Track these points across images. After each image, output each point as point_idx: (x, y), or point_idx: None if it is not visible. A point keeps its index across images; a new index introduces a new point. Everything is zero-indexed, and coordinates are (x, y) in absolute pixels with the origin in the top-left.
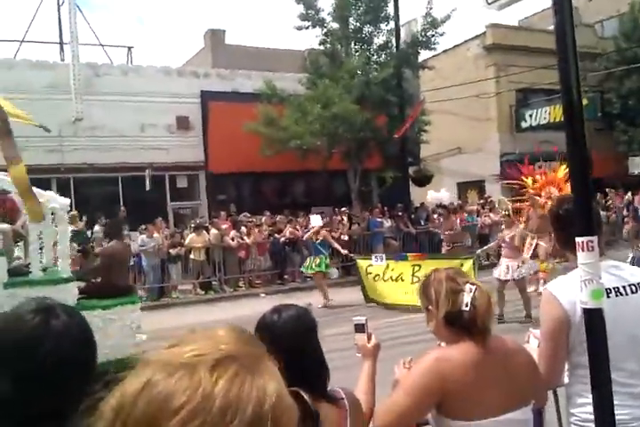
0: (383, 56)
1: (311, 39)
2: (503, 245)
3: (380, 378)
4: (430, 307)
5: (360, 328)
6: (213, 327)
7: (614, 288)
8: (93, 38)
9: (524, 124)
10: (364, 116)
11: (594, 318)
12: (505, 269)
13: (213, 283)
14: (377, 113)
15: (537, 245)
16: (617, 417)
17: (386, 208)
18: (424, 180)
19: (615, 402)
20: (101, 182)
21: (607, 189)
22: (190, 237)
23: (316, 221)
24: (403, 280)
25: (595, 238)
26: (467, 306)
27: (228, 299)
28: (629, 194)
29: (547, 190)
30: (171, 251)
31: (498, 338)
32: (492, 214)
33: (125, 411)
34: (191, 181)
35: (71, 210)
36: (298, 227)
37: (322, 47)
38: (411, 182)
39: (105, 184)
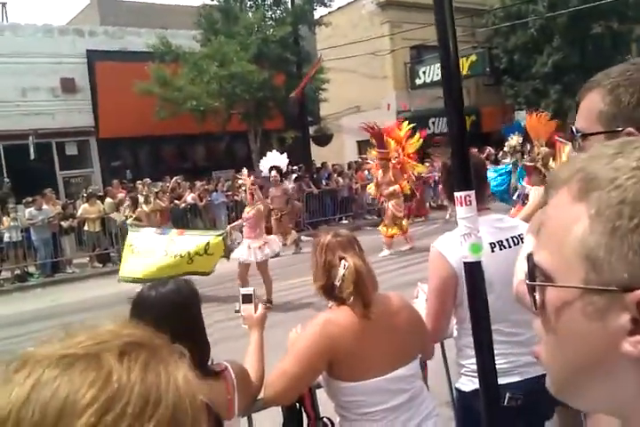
0: (278, 12)
1: None
2: (245, 223)
3: (277, 344)
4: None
5: (247, 299)
6: (97, 324)
7: (498, 242)
8: None
9: (418, 81)
10: (261, 76)
11: (473, 272)
12: (246, 250)
13: (112, 255)
14: (275, 72)
15: (387, 208)
16: (503, 365)
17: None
18: (325, 139)
19: (501, 351)
20: None
21: None
22: (83, 208)
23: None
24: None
25: (472, 193)
26: (338, 281)
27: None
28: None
29: (396, 150)
30: (62, 223)
31: (382, 296)
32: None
33: (12, 421)
34: (81, 148)
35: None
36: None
37: (215, 2)
38: (312, 142)
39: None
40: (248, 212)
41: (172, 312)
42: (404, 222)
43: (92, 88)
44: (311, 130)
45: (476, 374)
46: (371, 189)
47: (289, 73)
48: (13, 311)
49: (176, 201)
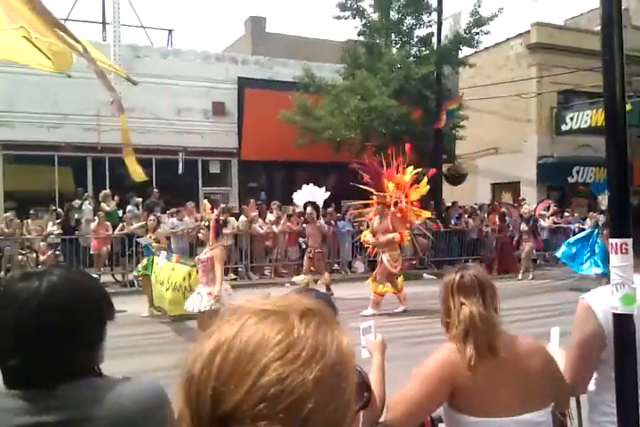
0: (423, 50)
1: (350, 30)
2: (199, 265)
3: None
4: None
5: (367, 331)
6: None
7: None
8: (135, 20)
9: (564, 127)
10: (400, 111)
11: (623, 324)
12: (196, 297)
13: (239, 269)
14: (413, 108)
15: (380, 261)
16: None
17: None
18: (458, 178)
19: None
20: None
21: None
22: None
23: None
24: (162, 284)
25: (629, 241)
26: (455, 325)
27: (253, 286)
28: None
29: (395, 195)
30: (199, 235)
31: (513, 337)
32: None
33: (224, 349)
34: (223, 167)
35: (105, 189)
36: (331, 220)
37: (361, 38)
38: (444, 180)
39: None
40: (205, 252)
41: None
42: (399, 280)
43: (240, 112)
44: (444, 168)
45: None
46: (366, 236)
47: (428, 110)
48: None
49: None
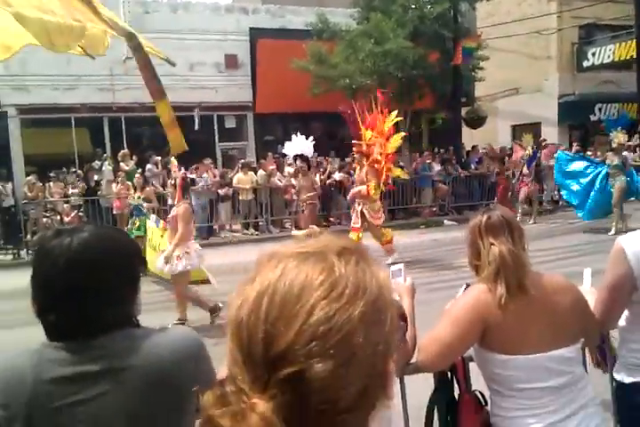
0: None
1: None
2: (167, 224)
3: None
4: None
5: (397, 274)
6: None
7: None
8: None
9: (585, 64)
10: (416, 53)
11: None
12: (164, 258)
13: (260, 223)
14: (430, 50)
15: (362, 213)
16: None
17: (436, 150)
18: (477, 121)
19: None
20: (151, 121)
21: None
22: (237, 178)
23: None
24: (155, 249)
25: None
26: (486, 265)
27: (274, 239)
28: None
29: (377, 143)
30: (219, 191)
31: (541, 276)
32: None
33: (270, 292)
34: (239, 122)
35: (122, 149)
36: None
37: None
38: (463, 124)
39: (155, 123)
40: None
41: None
42: (387, 231)
43: (253, 64)
44: (463, 111)
45: (637, 368)
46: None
47: (445, 51)
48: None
49: (321, 177)
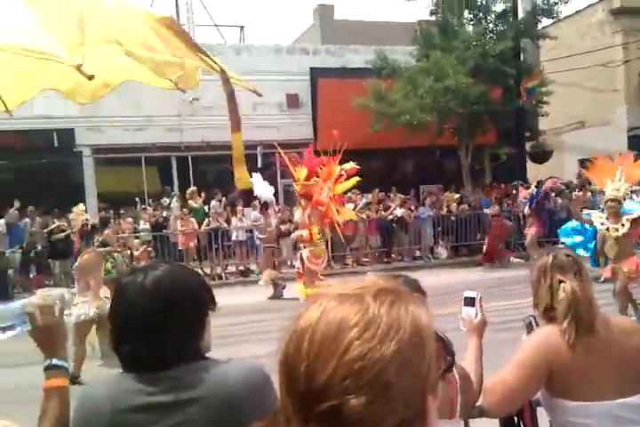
0: (500, 25)
1: (421, 10)
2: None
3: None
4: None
5: (469, 302)
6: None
7: None
8: (208, 19)
9: None
10: (477, 89)
11: None
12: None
13: None
14: (492, 85)
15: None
16: None
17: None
18: (543, 156)
19: None
20: (217, 160)
21: None
22: (298, 214)
23: None
24: None
25: None
26: (557, 303)
27: (335, 275)
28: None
29: (324, 186)
30: (281, 227)
31: (608, 318)
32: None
33: (310, 331)
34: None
35: (189, 186)
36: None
37: (433, 18)
38: (528, 159)
39: (221, 162)
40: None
41: None
42: (323, 279)
43: (313, 103)
44: (528, 146)
45: None
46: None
47: (507, 87)
48: (235, 302)
49: (383, 213)
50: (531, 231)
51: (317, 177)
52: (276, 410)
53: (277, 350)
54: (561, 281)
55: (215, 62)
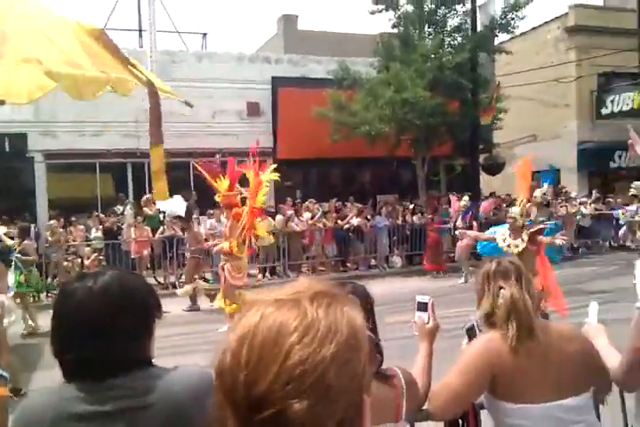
0: (458, 39)
1: (384, 23)
2: None
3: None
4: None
5: (422, 307)
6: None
7: None
8: (170, 25)
9: (604, 111)
10: (435, 102)
11: None
12: None
13: (277, 268)
14: (449, 98)
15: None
16: None
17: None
18: (496, 168)
19: None
20: (174, 167)
21: None
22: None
23: None
24: None
25: None
26: (497, 309)
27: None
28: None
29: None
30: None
31: (548, 323)
32: (568, 205)
33: (249, 338)
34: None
35: (145, 194)
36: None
37: (395, 31)
38: (482, 171)
39: (177, 169)
40: None
41: None
42: (242, 296)
43: (274, 112)
44: (482, 158)
45: None
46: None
47: (463, 99)
48: (187, 312)
49: (339, 222)
50: (462, 244)
51: (244, 187)
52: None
53: (213, 360)
54: (501, 287)
55: (143, 74)
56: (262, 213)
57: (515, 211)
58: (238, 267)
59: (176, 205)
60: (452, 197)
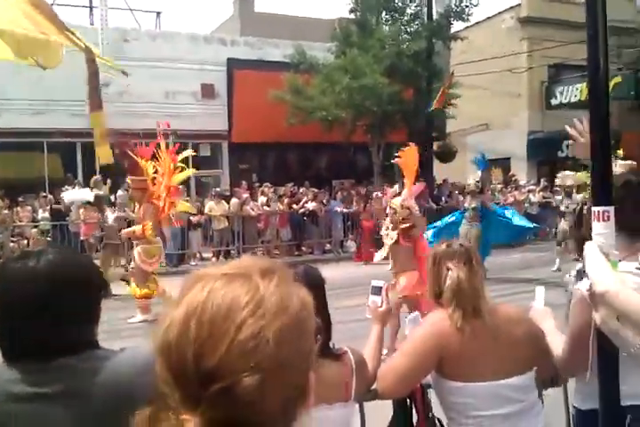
0: (414, 26)
1: (342, 8)
2: None
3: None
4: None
5: (376, 291)
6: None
7: None
8: (123, 3)
9: (553, 102)
10: (391, 89)
11: None
12: None
13: (231, 252)
14: (405, 85)
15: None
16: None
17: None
18: (448, 155)
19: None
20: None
21: None
22: (209, 206)
23: None
24: None
25: (611, 209)
26: (444, 289)
27: None
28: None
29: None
30: (191, 218)
31: (496, 305)
32: (516, 193)
33: (198, 313)
34: (214, 150)
35: (95, 175)
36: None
37: (352, 16)
38: (435, 158)
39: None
40: None
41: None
42: (153, 283)
43: (229, 94)
44: (435, 145)
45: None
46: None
47: (418, 87)
48: None
49: (295, 206)
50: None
51: (156, 169)
52: (147, 402)
53: (152, 338)
54: (449, 269)
55: (81, 40)
56: (179, 192)
57: (395, 202)
58: (150, 251)
59: (82, 194)
60: (387, 188)
